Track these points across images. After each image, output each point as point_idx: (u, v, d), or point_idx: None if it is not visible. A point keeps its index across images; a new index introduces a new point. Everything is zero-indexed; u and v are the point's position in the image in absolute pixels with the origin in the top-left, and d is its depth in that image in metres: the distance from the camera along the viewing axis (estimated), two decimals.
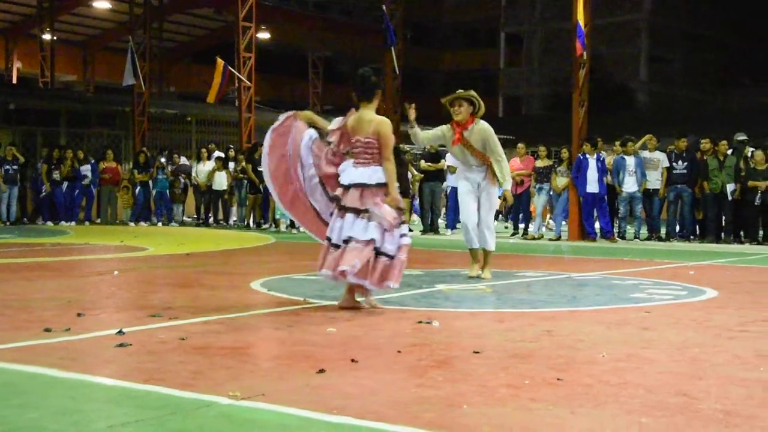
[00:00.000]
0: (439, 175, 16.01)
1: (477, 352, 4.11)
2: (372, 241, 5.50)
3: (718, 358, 4.06)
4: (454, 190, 15.97)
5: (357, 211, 5.56)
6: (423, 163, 16.39)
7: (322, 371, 3.63)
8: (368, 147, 5.69)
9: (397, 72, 18.52)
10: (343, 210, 5.60)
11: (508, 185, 7.78)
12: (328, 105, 36.35)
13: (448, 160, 15.75)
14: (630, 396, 3.28)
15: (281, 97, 36.05)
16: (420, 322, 5.05)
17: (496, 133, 7.83)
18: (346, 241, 5.52)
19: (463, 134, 7.62)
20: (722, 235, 13.81)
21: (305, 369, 3.71)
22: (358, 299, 5.70)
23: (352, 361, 3.87)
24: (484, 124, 7.67)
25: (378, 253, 5.50)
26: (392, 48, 18.19)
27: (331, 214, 5.74)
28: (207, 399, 3.15)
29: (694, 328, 5.03)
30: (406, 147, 18.52)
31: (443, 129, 7.84)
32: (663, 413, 3.03)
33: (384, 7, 18.26)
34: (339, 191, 5.70)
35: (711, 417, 2.98)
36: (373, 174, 5.63)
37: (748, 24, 44.64)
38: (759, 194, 13.11)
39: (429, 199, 16.24)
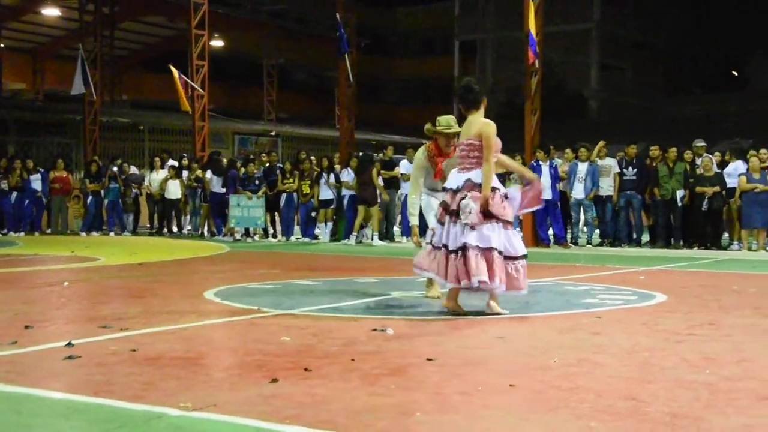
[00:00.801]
0: (394, 183, 16.03)
1: (430, 360, 4.12)
2: (493, 249, 5.67)
3: (666, 361, 4.13)
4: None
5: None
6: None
7: (275, 381, 3.61)
8: (471, 149, 5.86)
9: (351, 80, 18.54)
10: (455, 215, 5.76)
11: None
12: (282, 113, 36.28)
13: (402, 168, 15.80)
14: (580, 401, 3.31)
15: (236, 105, 35.89)
16: (374, 330, 5.05)
17: None
18: (463, 248, 5.68)
19: (442, 166, 7.07)
20: (672, 240, 14.05)
21: (258, 379, 3.69)
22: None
23: (306, 369, 3.85)
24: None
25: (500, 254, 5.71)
26: (346, 56, 18.21)
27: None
28: (157, 411, 3.11)
29: (644, 332, 5.10)
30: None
31: (422, 162, 6.98)
32: (612, 417, 3.06)
33: (338, 15, 18.27)
34: (447, 197, 5.87)
35: (659, 420, 3.02)
36: (478, 176, 5.79)
37: (696, 34, 45.61)
38: (706, 200, 13.36)
39: (385, 206, 16.26)
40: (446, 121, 6.97)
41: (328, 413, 3.11)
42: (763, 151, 13.82)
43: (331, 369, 3.93)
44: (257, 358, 4.17)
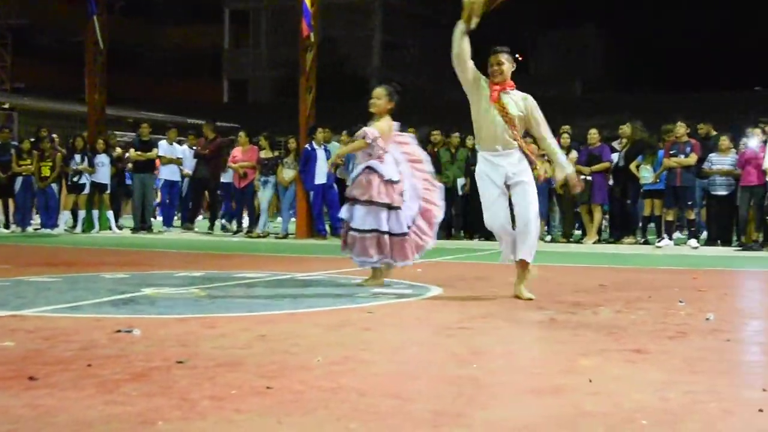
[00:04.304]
0: (150, 166, 15.67)
1: (180, 362, 4.06)
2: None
3: (434, 356, 4.32)
4: (168, 183, 15.74)
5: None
6: (132, 152, 15.98)
7: None
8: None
9: (102, 47, 17.84)
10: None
11: (570, 168, 6.95)
12: (19, 83, 34.35)
13: (161, 150, 15.48)
14: (342, 401, 3.39)
15: None
16: (118, 331, 4.91)
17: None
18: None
19: (501, 95, 6.61)
20: (452, 230, 14.70)
21: None
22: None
23: (31, 378, 3.67)
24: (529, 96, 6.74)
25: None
26: (95, 18, 17.51)
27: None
28: None
29: (415, 327, 5.31)
30: (115, 136, 17.96)
31: (479, 75, 6.71)
32: (373, 417, 3.16)
33: None
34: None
35: (420, 418, 3.15)
36: None
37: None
38: None
39: (140, 192, 15.84)
40: None
41: (53, 427, 2.98)
42: None
43: (62, 377, 3.77)
44: None
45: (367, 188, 7.17)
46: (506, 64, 6.64)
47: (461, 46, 6.63)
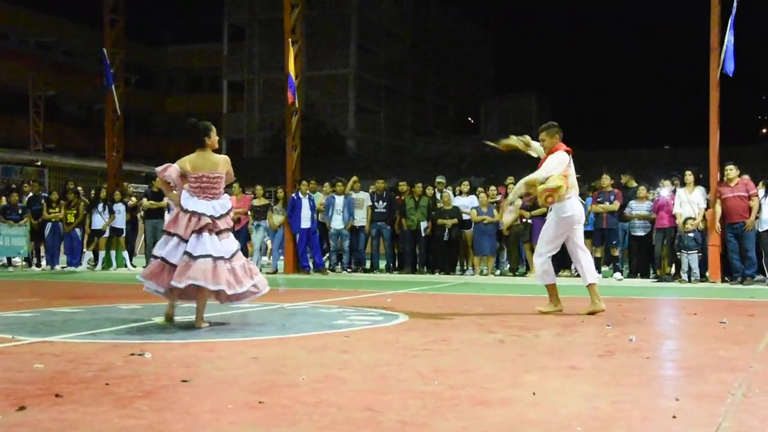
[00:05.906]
0: (162, 213, 15.57)
1: (185, 381, 4.01)
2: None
3: (402, 374, 4.28)
4: None
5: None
6: (146, 201, 15.89)
7: (22, 408, 3.35)
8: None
9: (119, 112, 17.81)
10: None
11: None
12: (49, 144, 34.12)
13: (167, 199, 15.41)
14: (323, 414, 3.35)
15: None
16: (132, 354, 4.84)
17: None
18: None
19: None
20: (417, 266, 14.69)
21: (4, 407, 3.40)
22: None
23: (57, 396, 3.61)
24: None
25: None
26: (113, 88, 17.50)
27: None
28: None
29: (386, 349, 5.27)
30: (130, 187, 17.82)
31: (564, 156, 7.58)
32: (350, 428, 3.13)
33: (104, 50, 17.57)
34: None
35: (390, 428, 3.13)
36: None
37: (437, 83, 48.50)
38: (446, 231, 14.15)
39: (152, 235, 15.71)
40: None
41: None
42: (492, 188, 14.87)
43: (84, 394, 3.70)
44: (5, 387, 3.85)
45: None
46: (547, 140, 7.49)
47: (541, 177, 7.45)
